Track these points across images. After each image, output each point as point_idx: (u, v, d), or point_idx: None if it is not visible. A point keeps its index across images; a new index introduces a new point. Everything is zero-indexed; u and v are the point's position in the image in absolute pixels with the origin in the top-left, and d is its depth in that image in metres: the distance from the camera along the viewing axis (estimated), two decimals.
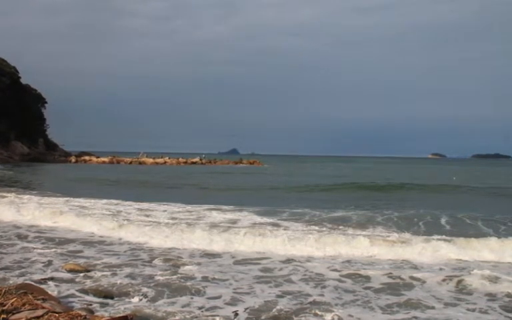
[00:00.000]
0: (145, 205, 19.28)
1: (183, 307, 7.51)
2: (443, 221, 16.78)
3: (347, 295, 8.20)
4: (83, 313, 7.13)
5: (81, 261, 9.98)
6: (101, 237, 12.94)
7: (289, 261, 10.56)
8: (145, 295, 7.95)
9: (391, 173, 59.82)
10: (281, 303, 7.68)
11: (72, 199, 20.85)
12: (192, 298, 7.91)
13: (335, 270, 9.80)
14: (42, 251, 10.85)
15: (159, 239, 12.37)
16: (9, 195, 21.00)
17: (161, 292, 8.12)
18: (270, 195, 25.77)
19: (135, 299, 7.77)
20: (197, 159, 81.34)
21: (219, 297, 7.97)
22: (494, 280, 9.06)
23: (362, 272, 9.65)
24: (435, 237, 12.69)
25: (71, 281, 8.55)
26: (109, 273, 9.04)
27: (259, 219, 16.17)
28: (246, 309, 7.49)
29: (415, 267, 10.26)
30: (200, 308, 7.49)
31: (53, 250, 10.97)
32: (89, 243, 12.06)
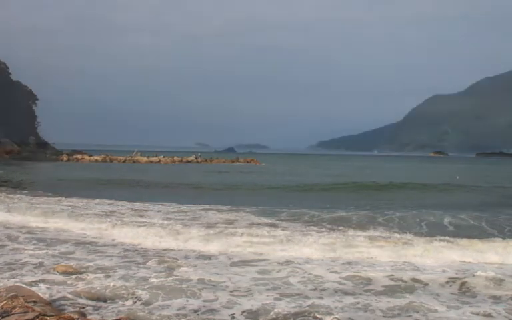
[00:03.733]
0: (138, 205, 19.04)
1: (178, 310, 7.29)
2: (445, 221, 16.68)
3: (346, 298, 8.00)
4: (75, 316, 6.88)
5: (73, 262, 9.74)
6: (93, 238, 12.70)
7: (287, 262, 10.33)
8: (139, 298, 7.72)
9: (392, 171, 59.75)
10: (279, 306, 7.48)
11: (64, 198, 20.66)
12: (187, 301, 7.69)
13: (335, 272, 9.59)
14: (33, 252, 10.60)
15: (153, 240, 12.13)
16: None
17: (155, 295, 7.89)
18: (267, 195, 25.58)
19: (129, 302, 7.54)
20: (192, 158, 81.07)
21: (215, 300, 7.75)
22: (498, 282, 8.89)
23: (362, 274, 9.45)
24: (438, 237, 12.51)
25: (63, 283, 8.31)
26: (101, 275, 8.81)
27: (256, 219, 15.97)
28: (243, 312, 7.28)
29: (417, 269, 10.03)
30: (195, 311, 7.27)
31: (44, 251, 10.73)
32: (81, 244, 11.81)
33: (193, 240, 12.17)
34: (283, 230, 13.99)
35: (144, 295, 7.90)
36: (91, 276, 8.73)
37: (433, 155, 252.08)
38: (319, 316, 7.19)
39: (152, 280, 8.59)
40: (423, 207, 20.47)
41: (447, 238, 12.72)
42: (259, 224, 14.99)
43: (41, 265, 9.49)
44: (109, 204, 19.09)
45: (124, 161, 75.55)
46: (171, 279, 8.72)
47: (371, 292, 8.41)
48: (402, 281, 9.08)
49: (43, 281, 8.37)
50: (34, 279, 8.41)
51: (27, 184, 26.38)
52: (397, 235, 13.25)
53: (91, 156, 79.23)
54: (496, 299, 8.09)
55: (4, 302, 7.57)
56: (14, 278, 8.41)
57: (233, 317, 7.12)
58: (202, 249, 11.47)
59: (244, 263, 10.30)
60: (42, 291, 7.98)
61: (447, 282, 9.05)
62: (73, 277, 8.64)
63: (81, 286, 8.17)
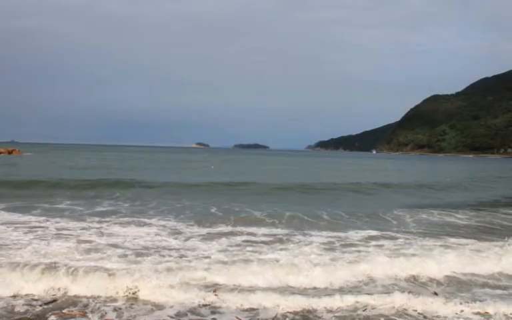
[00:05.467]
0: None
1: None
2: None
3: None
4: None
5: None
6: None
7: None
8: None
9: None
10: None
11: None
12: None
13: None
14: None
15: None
16: None
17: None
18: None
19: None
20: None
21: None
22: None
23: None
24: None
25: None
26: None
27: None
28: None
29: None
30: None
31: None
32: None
33: (194, 239, 12.25)
34: (282, 229, 14.12)
35: (144, 294, 7.98)
36: (92, 275, 8.69)
37: (430, 154, 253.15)
38: (318, 315, 7.26)
39: (152, 279, 8.56)
40: (420, 206, 20.64)
41: (445, 237, 12.88)
42: (258, 223, 15.10)
43: (42, 264, 9.45)
44: (108, 204, 19.09)
45: None
46: (171, 277, 8.70)
47: (370, 291, 8.50)
48: (401, 279, 9.18)
49: (44, 280, 8.36)
50: (35, 278, 8.41)
51: (27, 183, 26.18)
52: (396, 234, 13.40)
53: None
54: (494, 298, 8.16)
55: (6, 301, 7.64)
56: (15, 277, 8.40)
57: (234, 316, 7.19)
58: (202, 247, 11.51)
59: (244, 261, 10.36)
60: (43, 289, 8.07)
61: (445, 280, 9.15)
62: (74, 276, 8.58)
63: (81, 285, 8.21)
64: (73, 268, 8.77)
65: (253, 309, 7.53)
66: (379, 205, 21.75)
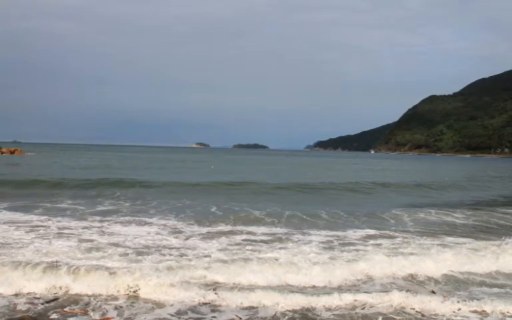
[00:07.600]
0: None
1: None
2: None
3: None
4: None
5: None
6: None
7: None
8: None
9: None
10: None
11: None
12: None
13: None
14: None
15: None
16: None
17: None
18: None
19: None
20: None
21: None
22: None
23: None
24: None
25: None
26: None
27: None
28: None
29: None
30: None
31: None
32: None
33: (194, 238, 12.31)
34: (281, 228, 14.18)
35: (145, 292, 8.05)
36: (93, 274, 8.75)
37: (427, 154, 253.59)
38: (317, 313, 7.32)
39: (153, 278, 8.61)
40: (418, 205, 20.71)
41: (442, 236, 12.95)
42: (258, 222, 15.19)
43: (43, 262, 9.49)
44: (109, 203, 19.14)
45: None
46: (171, 276, 8.76)
47: (368, 290, 8.58)
48: (399, 278, 9.24)
49: (45, 278, 8.42)
50: (37, 277, 8.47)
51: (29, 182, 26.17)
52: (394, 233, 13.46)
53: None
54: (491, 296, 8.23)
55: (8, 300, 7.69)
56: (17, 276, 8.45)
57: (234, 314, 7.26)
58: (202, 246, 11.55)
59: (243, 260, 10.41)
60: (45, 288, 8.13)
61: (443, 279, 9.22)
62: (75, 274, 8.64)
63: (83, 283, 8.27)
64: (74, 267, 8.82)
65: (252, 308, 7.60)
66: (377, 204, 21.84)
